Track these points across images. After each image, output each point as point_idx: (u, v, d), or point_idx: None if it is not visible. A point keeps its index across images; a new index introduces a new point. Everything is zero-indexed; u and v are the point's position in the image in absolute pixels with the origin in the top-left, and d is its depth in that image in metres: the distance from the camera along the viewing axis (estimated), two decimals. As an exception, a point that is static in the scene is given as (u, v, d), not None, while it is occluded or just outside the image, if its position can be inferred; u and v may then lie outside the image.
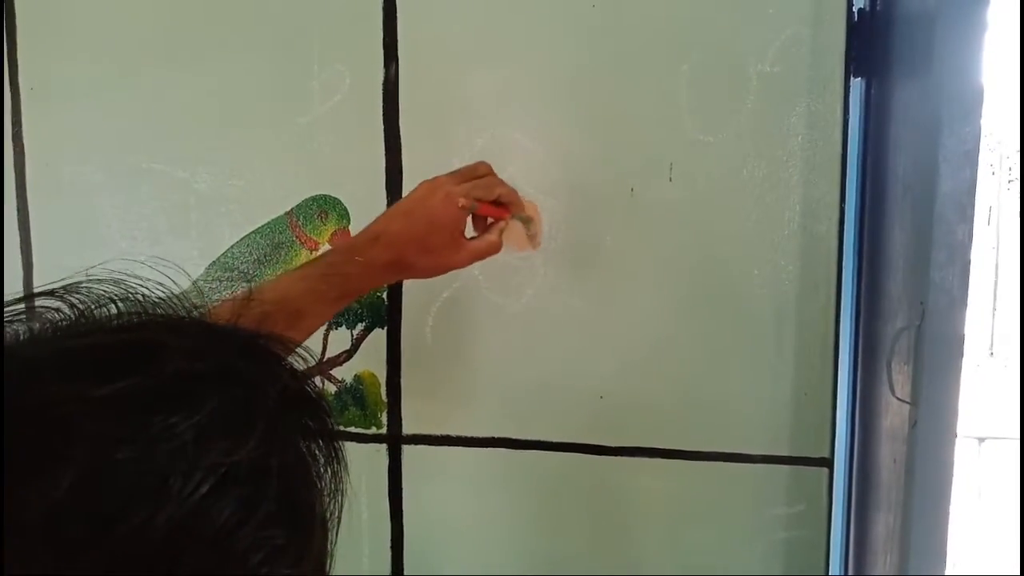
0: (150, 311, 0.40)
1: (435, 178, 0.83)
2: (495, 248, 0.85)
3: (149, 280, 0.42)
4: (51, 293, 0.39)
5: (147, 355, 0.36)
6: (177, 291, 0.42)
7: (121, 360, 0.36)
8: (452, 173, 0.84)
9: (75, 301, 0.39)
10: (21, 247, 1.08)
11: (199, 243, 1.04)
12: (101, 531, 0.32)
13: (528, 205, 0.91)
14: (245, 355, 0.40)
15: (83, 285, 0.40)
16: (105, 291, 0.40)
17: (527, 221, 0.90)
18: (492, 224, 0.85)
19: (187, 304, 0.42)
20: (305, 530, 0.39)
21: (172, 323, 0.41)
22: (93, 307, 0.39)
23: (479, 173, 0.85)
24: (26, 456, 0.32)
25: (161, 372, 0.36)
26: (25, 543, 0.31)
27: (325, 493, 0.42)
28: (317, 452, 0.41)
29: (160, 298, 0.41)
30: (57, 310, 0.39)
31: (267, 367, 0.41)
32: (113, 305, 0.39)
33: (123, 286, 0.40)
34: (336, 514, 0.43)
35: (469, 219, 0.85)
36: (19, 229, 1.07)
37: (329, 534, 0.42)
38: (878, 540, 0.88)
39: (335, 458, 0.42)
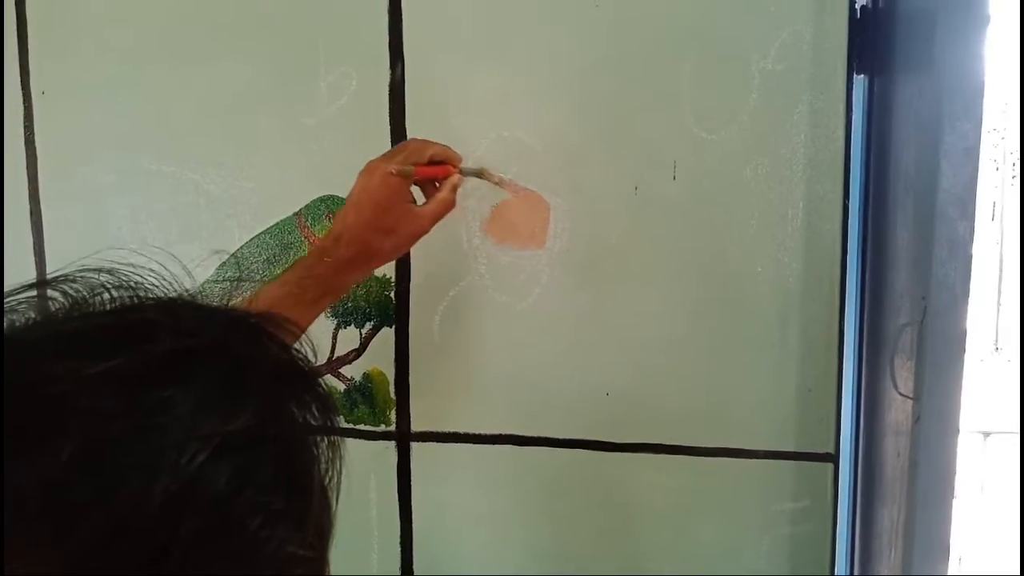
0: (142, 295, 0.42)
1: (368, 162, 0.84)
2: (449, 204, 0.86)
3: (141, 267, 0.43)
4: (46, 283, 0.40)
5: (140, 334, 0.37)
6: (168, 276, 0.44)
7: (115, 339, 0.37)
8: (384, 154, 0.85)
9: (69, 289, 0.40)
10: (34, 248, 1.09)
11: (209, 244, 1.05)
12: (99, 502, 0.33)
13: (538, 200, 0.92)
14: (235, 331, 0.42)
15: (77, 274, 0.41)
16: (98, 279, 0.41)
17: (478, 174, 0.92)
18: (442, 183, 0.87)
19: (178, 287, 0.44)
20: (303, 495, 0.40)
21: (164, 304, 0.42)
22: (87, 294, 0.40)
23: (409, 147, 0.86)
24: (24, 433, 0.33)
25: (154, 349, 0.37)
26: (24, 516, 0.32)
27: (322, 461, 0.43)
28: (311, 421, 0.42)
29: (152, 284, 0.43)
30: (52, 299, 0.40)
31: (257, 342, 0.42)
32: (106, 292, 0.41)
33: (116, 274, 0.42)
34: (335, 482, 0.44)
35: (419, 191, 0.87)
36: (32, 231, 1.09)
37: (330, 502, 0.43)
38: (883, 535, 0.88)
39: (330, 426, 0.43)
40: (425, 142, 0.87)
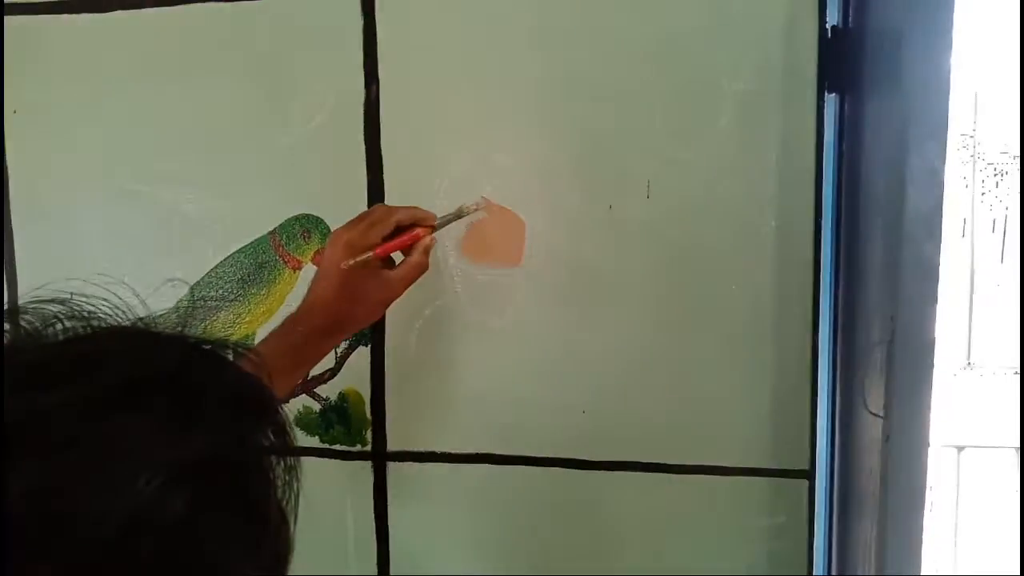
0: (95, 324, 0.42)
1: (333, 232, 0.84)
2: (421, 267, 0.85)
3: (94, 297, 0.43)
4: None
5: (92, 363, 0.38)
6: (122, 304, 0.44)
7: (68, 370, 0.38)
8: (349, 221, 0.85)
9: (22, 321, 0.41)
10: (5, 268, 1.08)
11: (183, 263, 1.04)
12: (55, 532, 0.34)
13: (513, 218, 0.92)
14: (191, 358, 0.42)
15: (30, 306, 0.41)
16: (51, 310, 0.41)
17: (457, 216, 0.90)
18: (413, 246, 0.85)
19: (132, 316, 0.44)
20: (260, 520, 0.40)
21: (117, 333, 0.42)
22: (40, 325, 0.41)
23: (374, 215, 0.85)
24: None
25: (107, 378, 0.37)
26: None
27: (279, 485, 0.43)
28: (268, 446, 0.43)
29: (106, 312, 0.43)
30: (5, 332, 0.40)
31: (214, 369, 0.43)
32: (59, 322, 0.41)
33: (69, 304, 0.42)
34: (292, 505, 0.44)
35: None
36: (3, 250, 1.08)
37: (288, 525, 0.44)
38: (857, 549, 0.89)
39: (287, 451, 0.44)
40: (390, 209, 0.86)
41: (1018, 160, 1.56)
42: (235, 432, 0.40)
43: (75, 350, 0.40)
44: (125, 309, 0.44)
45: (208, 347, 0.44)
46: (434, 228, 0.87)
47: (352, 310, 0.84)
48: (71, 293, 0.43)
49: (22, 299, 0.42)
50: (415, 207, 0.88)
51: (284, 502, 0.44)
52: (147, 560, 0.35)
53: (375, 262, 0.83)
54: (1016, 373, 1.62)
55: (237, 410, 0.41)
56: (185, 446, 0.37)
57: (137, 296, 0.45)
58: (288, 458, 0.44)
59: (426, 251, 0.86)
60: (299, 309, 0.84)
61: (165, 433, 0.37)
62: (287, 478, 0.44)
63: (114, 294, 0.45)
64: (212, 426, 0.39)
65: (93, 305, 0.43)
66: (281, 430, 0.44)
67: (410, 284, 0.86)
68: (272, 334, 0.85)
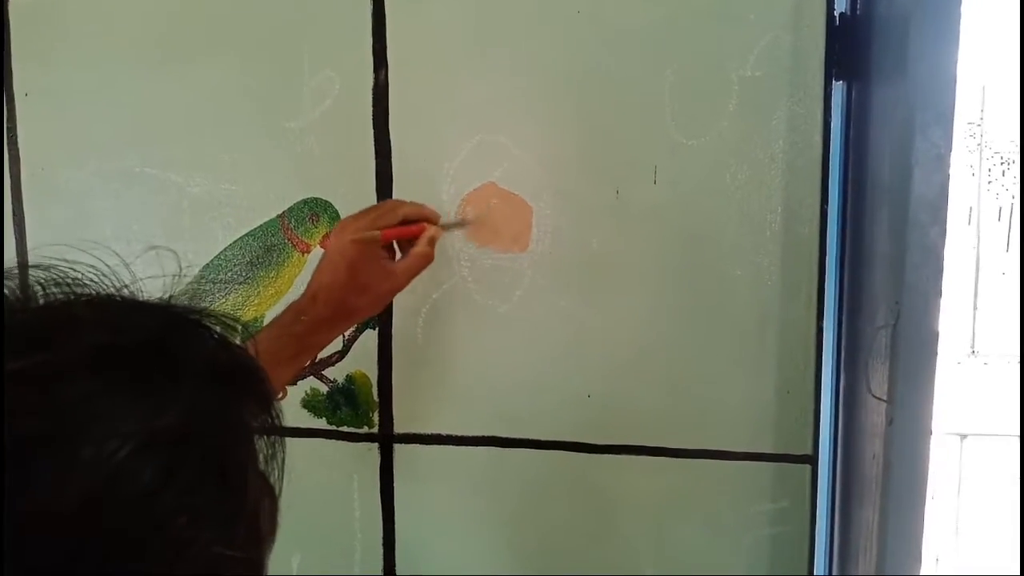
0: (77, 292, 0.41)
1: (340, 221, 0.85)
2: (426, 258, 0.86)
3: (80, 263, 0.42)
4: None
5: (63, 330, 0.37)
6: (108, 272, 0.43)
7: (36, 336, 0.37)
8: (357, 213, 0.86)
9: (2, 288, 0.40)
10: (17, 250, 1.09)
11: (192, 246, 1.05)
12: (14, 498, 0.33)
13: (520, 203, 0.93)
14: (171, 328, 0.41)
15: (13, 271, 0.40)
16: (32, 276, 0.40)
17: (460, 224, 0.93)
18: (418, 238, 0.86)
19: (117, 283, 0.43)
20: (234, 495, 0.39)
21: (96, 301, 0.41)
22: (19, 292, 0.40)
23: (382, 207, 0.86)
24: None
25: (78, 345, 0.36)
26: None
27: (259, 460, 0.42)
28: (250, 419, 0.42)
29: (91, 280, 0.42)
30: None
31: (195, 339, 0.41)
32: (40, 288, 0.40)
33: (53, 271, 0.41)
34: (277, 480, 0.43)
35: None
36: (15, 233, 1.09)
37: (270, 500, 0.42)
38: (859, 536, 0.89)
39: (271, 424, 0.43)
40: (399, 202, 0.88)
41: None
42: (210, 403, 0.39)
43: (48, 316, 0.39)
44: (111, 276, 0.43)
45: (193, 317, 0.42)
46: (441, 226, 0.88)
47: (356, 300, 0.84)
48: (55, 259, 0.42)
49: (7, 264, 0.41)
50: (423, 204, 0.89)
51: (266, 477, 0.42)
52: (108, 532, 0.34)
53: (380, 251, 0.84)
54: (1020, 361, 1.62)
55: (215, 380, 0.40)
56: (155, 415, 0.36)
57: (123, 262, 0.44)
58: (271, 433, 0.43)
59: (431, 243, 0.86)
60: (302, 298, 0.84)
61: (131, 402, 0.36)
62: (269, 452, 0.43)
63: (101, 260, 0.43)
64: (185, 396, 0.37)
65: (79, 272, 0.42)
66: (264, 403, 0.43)
67: (414, 275, 0.86)
68: (275, 322, 0.85)
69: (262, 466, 0.42)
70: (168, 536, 0.35)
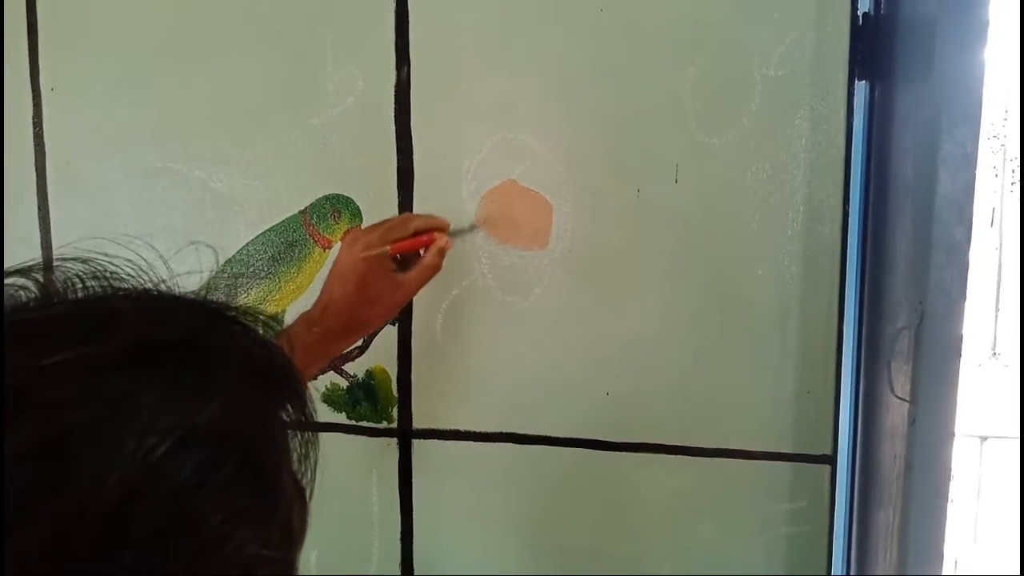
0: (116, 285, 0.41)
1: (351, 232, 0.85)
2: (434, 269, 0.87)
3: (117, 257, 0.42)
4: (19, 272, 0.40)
5: (104, 324, 0.37)
6: (145, 267, 0.42)
7: (77, 329, 0.37)
8: (369, 226, 0.87)
9: (41, 279, 0.40)
10: (41, 244, 1.10)
11: (215, 241, 1.05)
12: (52, 492, 0.33)
13: (541, 201, 0.93)
14: (209, 324, 0.41)
15: (53, 264, 0.40)
16: (71, 268, 0.40)
17: (470, 228, 0.95)
18: (427, 249, 0.87)
19: (154, 278, 0.42)
20: (270, 494, 0.39)
21: (135, 295, 0.41)
22: (60, 284, 0.40)
23: (393, 221, 0.87)
24: None
25: (118, 339, 0.36)
26: None
27: (294, 459, 0.42)
28: (285, 418, 0.41)
29: (128, 274, 0.42)
30: (25, 288, 0.39)
31: (232, 336, 0.41)
32: (79, 281, 0.40)
33: (92, 264, 0.41)
34: (309, 479, 0.42)
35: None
36: (40, 227, 1.10)
37: (302, 501, 0.42)
38: (878, 537, 0.89)
39: (306, 423, 0.42)
40: (410, 215, 0.89)
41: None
42: (248, 400, 0.39)
43: (87, 310, 0.39)
44: (148, 271, 0.42)
45: (231, 313, 0.42)
46: (449, 234, 0.89)
47: (366, 312, 0.85)
48: (92, 252, 0.41)
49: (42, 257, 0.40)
50: (433, 216, 0.90)
51: (300, 476, 0.42)
52: (144, 529, 0.33)
53: (389, 263, 0.85)
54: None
55: (252, 378, 0.40)
56: (194, 413, 0.36)
57: (161, 257, 0.43)
58: (306, 431, 0.43)
59: (440, 253, 0.87)
60: (314, 309, 0.85)
61: (171, 397, 0.36)
62: (304, 451, 0.42)
63: (138, 255, 0.43)
64: (224, 392, 0.37)
65: (116, 266, 0.41)
66: (300, 402, 0.42)
67: (423, 285, 0.87)
68: (286, 332, 0.85)
69: (295, 466, 0.42)
70: (204, 534, 0.35)
